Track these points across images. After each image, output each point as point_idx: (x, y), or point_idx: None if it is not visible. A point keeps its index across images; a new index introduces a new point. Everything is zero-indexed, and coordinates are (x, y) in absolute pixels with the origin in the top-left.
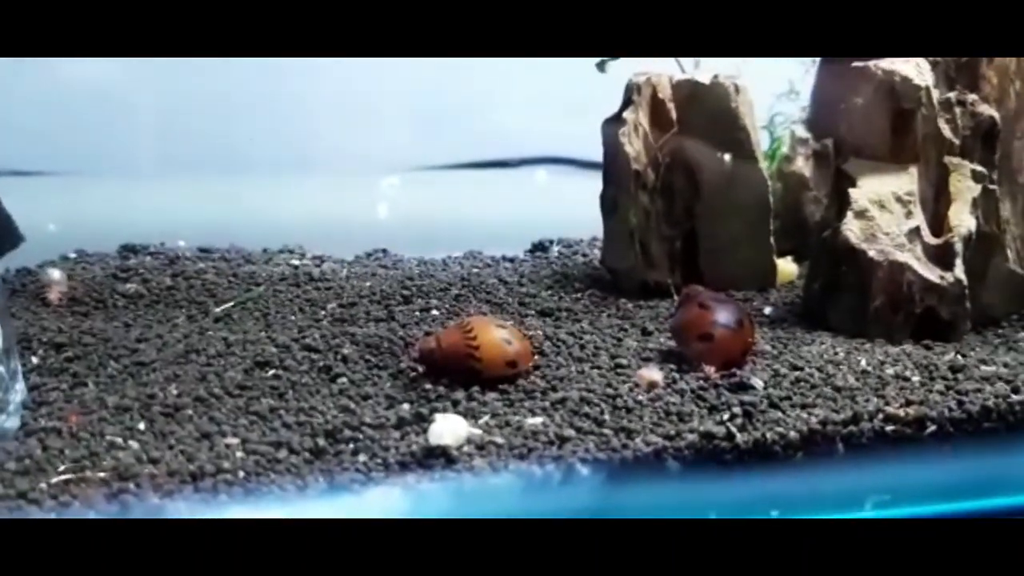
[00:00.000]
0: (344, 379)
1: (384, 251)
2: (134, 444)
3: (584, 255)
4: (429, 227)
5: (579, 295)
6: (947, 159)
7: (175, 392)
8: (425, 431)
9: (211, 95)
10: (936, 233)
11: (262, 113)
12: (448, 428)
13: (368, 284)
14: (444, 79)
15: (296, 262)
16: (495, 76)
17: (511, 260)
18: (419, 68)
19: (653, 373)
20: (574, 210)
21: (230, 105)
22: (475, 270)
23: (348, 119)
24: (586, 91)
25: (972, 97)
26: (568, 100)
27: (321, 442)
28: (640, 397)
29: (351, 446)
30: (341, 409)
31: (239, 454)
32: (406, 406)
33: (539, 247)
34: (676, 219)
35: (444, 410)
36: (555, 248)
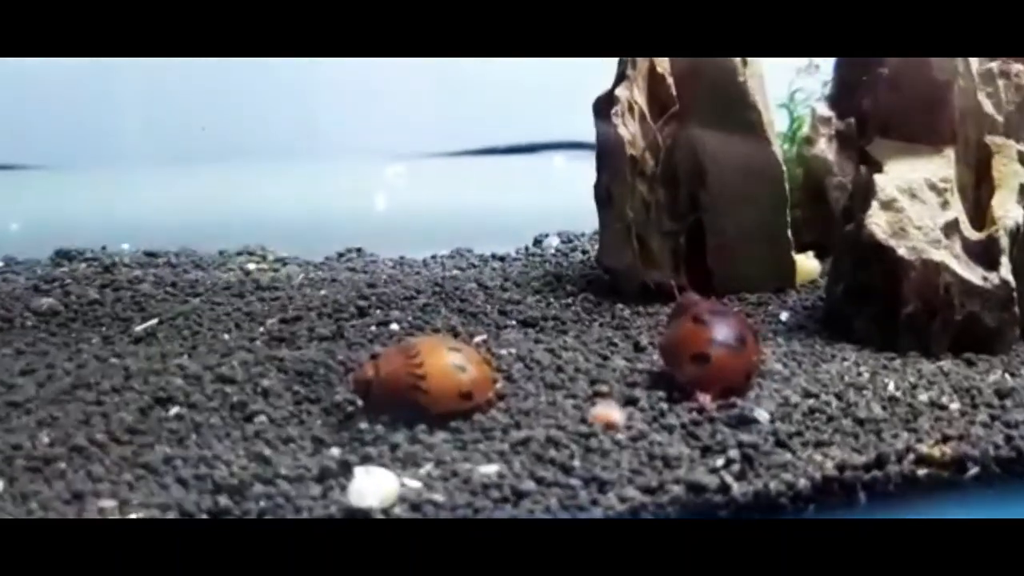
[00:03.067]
0: (262, 418)
1: (359, 250)
2: None
3: (583, 251)
4: (427, 220)
5: (570, 300)
6: (989, 139)
7: (47, 440)
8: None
9: (203, 80)
10: (977, 226)
11: (262, 95)
12: (372, 486)
13: (322, 292)
14: (459, 60)
15: (252, 266)
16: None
17: (500, 259)
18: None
19: (611, 412)
20: (587, 201)
21: (226, 91)
22: (455, 272)
23: (355, 102)
24: (605, 71)
25: (1017, 67)
26: (586, 81)
27: (222, 501)
28: (619, 436)
29: (259, 505)
30: (253, 457)
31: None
32: (335, 451)
33: (536, 243)
34: (679, 211)
35: (380, 456)
36: (552, 243)
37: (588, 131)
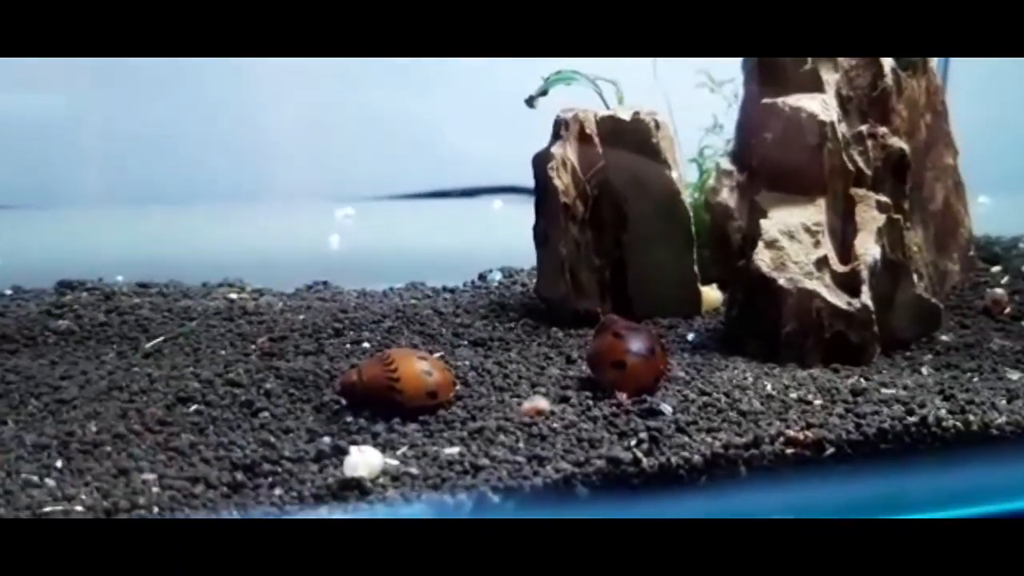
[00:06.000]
0: (266, 413)
1: (325, 283)
2: (50, 481)
3: (523, 284)
4: (380, 259)
5: (513, 324)
6: (853, 191)
7: (94, 429)
8: (343, 464)
9: (163, 123)
10: (844, 261)
11: (221, 142)
12: (362, 461)
13: (301, 317)
14: (405, 107)
15: (234, 296)
16: (454, 103)
17: (451, 291)
18: (381, 95)
19: (537, 403)
20: (524, 240)
21: (187, 134)
22: (413, 301)
23: (309, 147)
24: (543, 118)
25: (883, 130)
26: (525, 127)
27: (239, 476)
28: (555, 425)
29: (269, 480)
30: (261, 443)
31: (155, 489)
32: (327, 439)
33: (481, 277)
34: (605, 250)
35: (364, 442)
36: (496, 277)
37: (524, 177)
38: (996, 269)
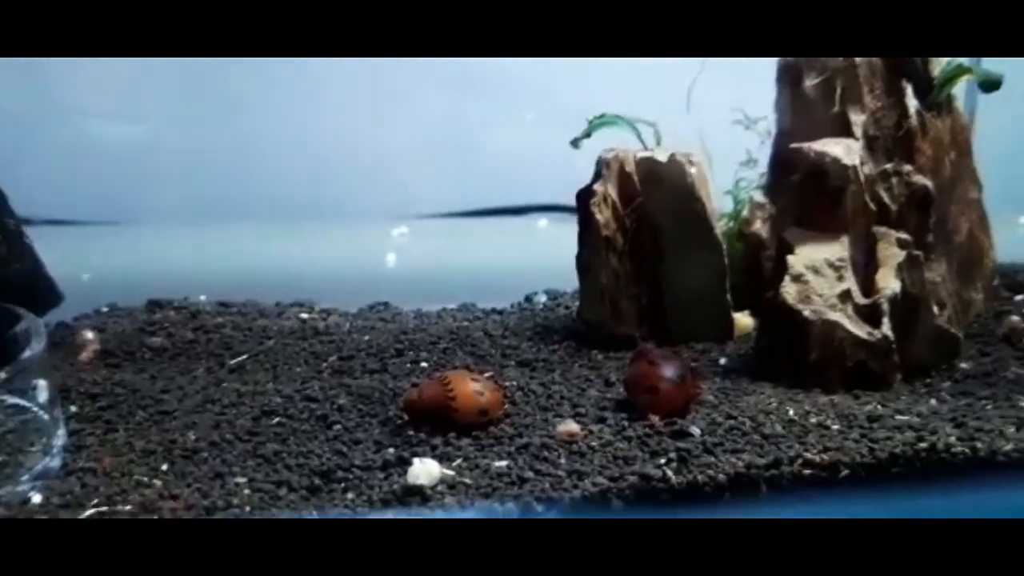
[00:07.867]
0: (339, 426)
1: (385, 304)
2: (157, 482)
3: (566, 307)
4: (432, 278)
5: (556, 347)
6: (875, 229)
7: (193, 438)
8: (406, 472)
9: (229, 145)
10: (866, 294)
11: (279, 162)
12: (423, 470)
13: (367, 338)
14: (452, 125)
15: (305, 315)
16: (500, 121)
17: (500, 312)
18: (428, 113)
19: (570, 427)
20: (568, 259)
21: (250, 156)
22: (465, 323)
23: (360, 166)
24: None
25: (907, 168)
26: (565, 149)
27: (317, 481)
28: (593, 443)
29: (342, 485)
30: (335, 453)
31: (246, 491)
32: (391, 450)
33: (527, 299)
34: (643, 279)
35: (423, 454)
36: (541, 299)
37: (567, 196)
38: (1020, 298)
